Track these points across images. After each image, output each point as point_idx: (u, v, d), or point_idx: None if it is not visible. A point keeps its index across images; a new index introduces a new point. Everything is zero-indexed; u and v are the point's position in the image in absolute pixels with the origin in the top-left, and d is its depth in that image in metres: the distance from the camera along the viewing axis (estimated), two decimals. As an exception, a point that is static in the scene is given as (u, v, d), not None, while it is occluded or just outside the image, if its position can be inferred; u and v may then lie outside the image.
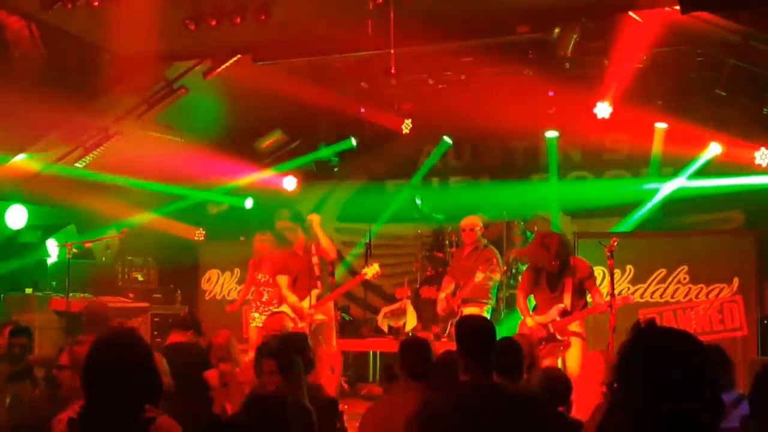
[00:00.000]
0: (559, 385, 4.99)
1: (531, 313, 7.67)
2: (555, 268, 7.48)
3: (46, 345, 7.84)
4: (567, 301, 7.49)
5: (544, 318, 7.52)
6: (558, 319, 7.46)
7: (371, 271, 8.53)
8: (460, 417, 3.83)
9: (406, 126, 11.07)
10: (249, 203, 12.16)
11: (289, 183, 12.22)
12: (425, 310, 10.10)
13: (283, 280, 8.79)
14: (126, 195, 10.63)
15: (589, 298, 7.63)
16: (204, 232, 11.81)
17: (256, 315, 9.38)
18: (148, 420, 3.15)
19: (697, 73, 9.72)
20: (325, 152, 11.91)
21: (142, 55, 9.46)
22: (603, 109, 9.99)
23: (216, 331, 8.75)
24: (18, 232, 10.15)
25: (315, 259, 8.70)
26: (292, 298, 8.65)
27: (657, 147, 10.65)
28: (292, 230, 8.94)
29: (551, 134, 11.22)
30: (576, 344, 7.40)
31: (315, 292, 8.52)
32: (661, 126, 10.51)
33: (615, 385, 1.89)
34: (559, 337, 7.42)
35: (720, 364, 4.65)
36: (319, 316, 8.51)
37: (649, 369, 1.82)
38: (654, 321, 1.90)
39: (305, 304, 8.46)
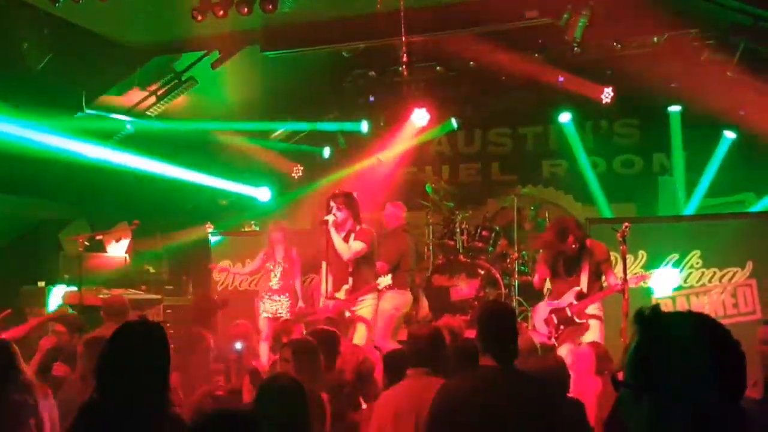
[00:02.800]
0: (558, 373, 4.97)
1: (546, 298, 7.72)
2: (574, 252, 7.45)
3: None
4: (584, 284, 7.45)
5: (560, 302, 7.50)
6: (575, 302, 7.43)
7: (384, 282, 8.29)
8: (479, 399, 3.84)
9: (422, 117, 11.07)
10: (266, 195, 12.08)
11: (296, 171, 12.34)
12: (436, 297, 10.09)
13: (324, 266, 8.41)
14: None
15: (604, 282, 7.61)
16: (212, 225, 11.79)
17: (265, 305, 9.39)
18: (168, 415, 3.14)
19: (709, 56, 9.65)
20: (329, 126, 11.78)
21: (150, 47, 9.49)
22: (606, 95, 10.01)
23: (234, 321, 8.81)
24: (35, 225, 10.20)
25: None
26: (324, 288, 8.35)
27: (675, 131, 10.64)
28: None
29: (565, 117, 11.16)
30: (595, 327, 7.36)
31: (345, 288, 8.17)
32: (675, 110, 10.49)
33: (620, 373, 1.87)
34: (577, 320, 7.39)
35: None
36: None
37: (664, 354, 1.80)
38: (658, 306, 1.87)
39: (339, 296, 8.14)
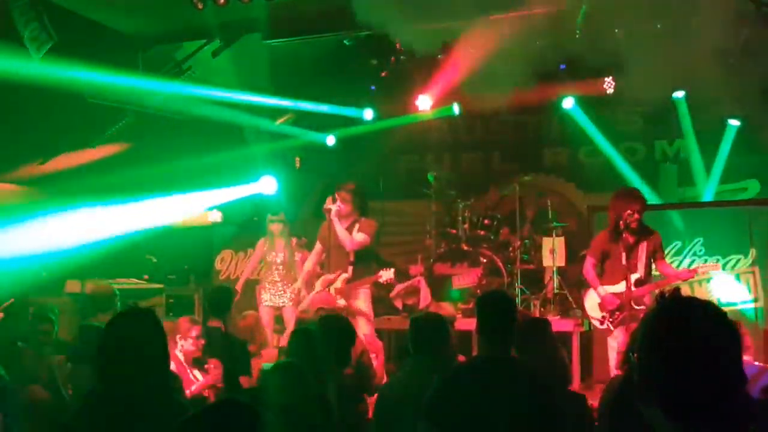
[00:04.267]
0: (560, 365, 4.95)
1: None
2: (632, 222, 7.30)
3: (63, 327, 7.87)
4: (641, 270, 7.40)
5: (617, 288, 7.40)
6: (633, 288, 7.34)
7: (386, 275, 8.27)
8: (476, 389, 3.83)
9: (423, 101, 11.03)
10: (272, 187, 11.98)
11: (297, 162, 12.31)
12: (439, 286, 10.09)
13: (316, 246, 8.65)
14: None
15: (655, 270, 7.57)
16: (221, 214, 11.71)
17: (266, 295, 9.42)
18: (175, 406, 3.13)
19: (711, 42, 9.58)
20: (333, 110, 11.66)
21: (151, 36, 9.45)
22: (608, 84, 10.03)
23: (243, 313, 8.80)
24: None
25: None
26: (308, 265, 8.66)
27: (684, 116, 10.60)
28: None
29: (569, 103, 11.09)
30: None
31: (343, 277, 8.19)
32: (680, 96, 10.47)
33: (635, 355, 1.86)
34: (635, 306, 7.29)
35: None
36: (341, 302, 8.04)
37: (670, 339, 1.79)
38: (678, 290, 1.87)
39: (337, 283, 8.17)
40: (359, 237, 8.24)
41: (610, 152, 11.31)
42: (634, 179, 10.94)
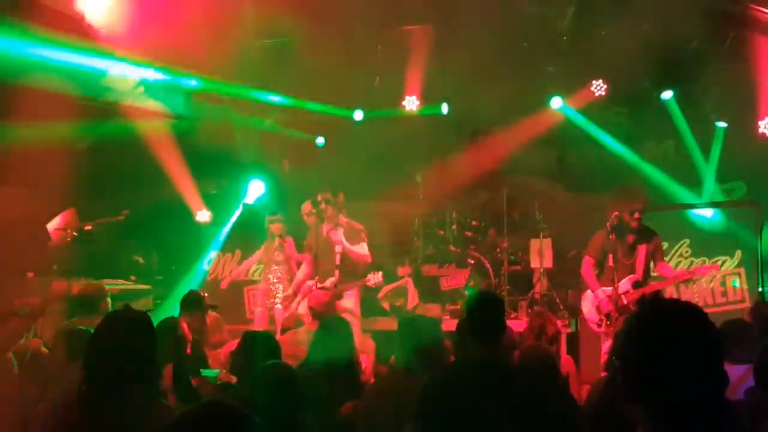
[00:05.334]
0: (546, 363, 4.95)
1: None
2: (634, 224, 7.22)
3: (48, 328, 7.83)
4: (639, 271, 7.27)
5: (613, 289, 7.21)
6: (631, 290, 7.19)
7: (374, 279, 8.35)
8: (466, 391, 3.82)
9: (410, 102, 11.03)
10: (260, 189, 11.88)
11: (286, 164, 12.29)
12: (427, 288, 10.09)
13: (306, 257, 8.86)
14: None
15: (653, 271, 7.48)
16: (210, 214, 11.64)
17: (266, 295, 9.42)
18: (154, 405, 3.12)
19: (699, 44, 9.63)
20: (320, 107, 11.61)
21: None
22: (597, 87, 10.07)
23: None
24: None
25: (338, 248, 8.43)
26: (300, 275, 8.81)
27: (676, 116, 10.63)
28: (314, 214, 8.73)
29: (557, 102, 11.08)
30: None
31: (330, 280, 8.32)
32: (668, 96, 10.50)
33: (615, 358, 1.88)
34: (632, 308, 7.00)
35: (741, 337, 4.61)
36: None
37: (650, 342, 1.80)
38: (660, 293, 1.88)
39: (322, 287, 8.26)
40: (365, 249, 8.53)
41: (601, 152, 11.33)
42: (625, 179, 10.96)
